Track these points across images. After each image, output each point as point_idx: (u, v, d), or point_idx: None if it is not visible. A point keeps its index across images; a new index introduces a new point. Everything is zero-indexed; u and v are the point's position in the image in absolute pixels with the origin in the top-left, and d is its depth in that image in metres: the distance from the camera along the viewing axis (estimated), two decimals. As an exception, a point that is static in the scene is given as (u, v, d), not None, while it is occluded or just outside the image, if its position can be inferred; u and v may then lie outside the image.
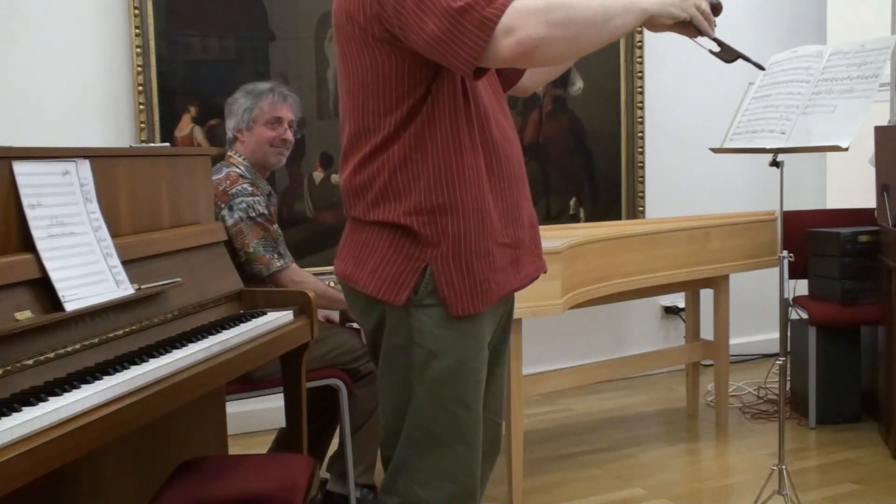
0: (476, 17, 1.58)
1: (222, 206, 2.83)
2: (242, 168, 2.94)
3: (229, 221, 2.82)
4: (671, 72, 4.80)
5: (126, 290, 1.99)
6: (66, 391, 1.61)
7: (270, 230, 2.89)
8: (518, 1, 1.60)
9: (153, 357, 1.88)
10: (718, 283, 3.91)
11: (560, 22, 1.61)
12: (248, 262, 2.84)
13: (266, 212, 2.90)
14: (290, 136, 3.01)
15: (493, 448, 2.02)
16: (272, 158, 2.99)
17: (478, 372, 1.81)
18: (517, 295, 1.97)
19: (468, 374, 1.79)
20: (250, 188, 2.88)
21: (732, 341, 4.02)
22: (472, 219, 1.75)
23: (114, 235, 2.03)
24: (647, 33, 4.74)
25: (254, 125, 2.95)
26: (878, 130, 3.82)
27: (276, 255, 2.87)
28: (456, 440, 1.79)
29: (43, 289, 1.80)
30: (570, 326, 4.43)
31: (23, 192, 1.82)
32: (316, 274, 3.24)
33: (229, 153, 3.00)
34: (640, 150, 4.81)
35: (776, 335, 3.04)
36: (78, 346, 1.82)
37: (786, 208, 2.88)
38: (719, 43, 1.88)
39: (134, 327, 2.01)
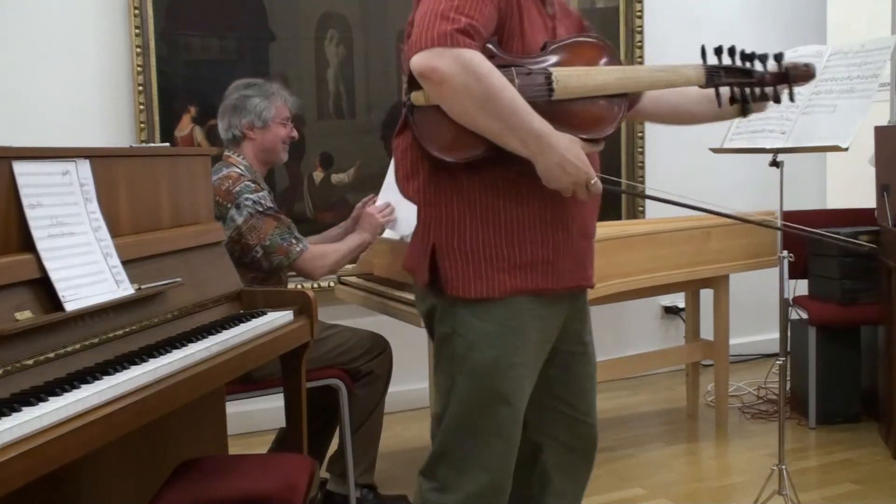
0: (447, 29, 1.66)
1: (229, 206, 2.83)
2: (242, 168, 2.95)
3: (239, 220, 2.83)
4: (671, 72, 4.79)
5: (126, 290, 1.99)
6: (67, 391, 1.61)
7: (283, 219, 2.91)
8: (471, 53, 1.66)
9: (153, 357, 1.87)
10: (718, 283, 3.91)
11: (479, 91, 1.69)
12: (266, 255, 2.84)
13: (273, 204, 2.91)
14: (295, 132, 3.09)
15: (590, 447, 2.06)
16: (283, 155, 3.07)
17: (518, 367, 1.82)
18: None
19: (507, 369, 1.80)
20: (253, 185, 2.89)
21: (732, 341, 4.02)
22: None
23: (114, 235, 2.03)
24: (648, 31, 4.74)
25: (271, 124, 2.98)
26: (878, 130, 3.82)
27: (293, 241, 2.88)
28: (492, 433, 1.81)
29: (43, 289, 1.80)
30: (570, 326, 4.41)
31: (23, 192, 1.82)
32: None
33: (227, 153, 3.00)
34: (640, 150, 4.81)
35: (776, 335, 3.04)
36: (78, 346, 1.82)
37: (786, 208, 2.88)
38: None
39: (134, 327, 2.01)
